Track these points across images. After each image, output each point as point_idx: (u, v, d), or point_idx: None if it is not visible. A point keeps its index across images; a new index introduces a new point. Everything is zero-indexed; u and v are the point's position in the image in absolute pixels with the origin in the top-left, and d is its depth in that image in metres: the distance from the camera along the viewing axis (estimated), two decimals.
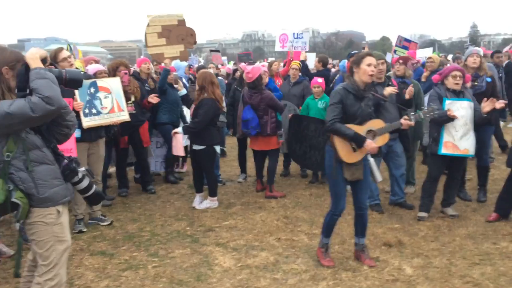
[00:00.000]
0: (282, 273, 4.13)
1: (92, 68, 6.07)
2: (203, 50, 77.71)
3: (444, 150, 5.20)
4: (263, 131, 6.38)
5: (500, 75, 9.55)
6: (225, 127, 7.21)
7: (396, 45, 10.58)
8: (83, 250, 4.72)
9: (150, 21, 6.88)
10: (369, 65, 4.00)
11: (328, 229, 4.29)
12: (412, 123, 4.25)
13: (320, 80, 7.16)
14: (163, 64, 7.00)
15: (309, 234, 5.04)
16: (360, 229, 4.33)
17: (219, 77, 8.84)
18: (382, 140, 4.15)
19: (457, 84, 5.21)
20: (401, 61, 6.41)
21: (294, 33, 9.30)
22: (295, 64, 8.00)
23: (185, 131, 6.05)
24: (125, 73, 6.19)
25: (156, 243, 4.91)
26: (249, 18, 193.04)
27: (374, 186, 5.70)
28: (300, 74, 7.91)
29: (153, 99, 6.49)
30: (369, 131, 4.08)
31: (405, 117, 4.23)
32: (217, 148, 6.10)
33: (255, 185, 7.03)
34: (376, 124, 4.13)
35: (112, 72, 6.16)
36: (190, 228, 5.34)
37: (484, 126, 5.75)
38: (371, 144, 3.98)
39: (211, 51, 15.74)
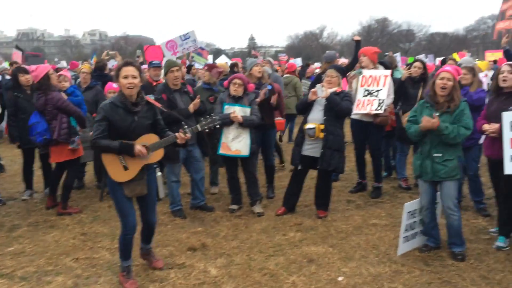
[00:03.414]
0: None
1: None
2: None
3: (221, 151, 5.80)
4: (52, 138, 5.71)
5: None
6: None
7: (193, 52, 10.90)
8: None
9: None
10: (125, 77, 3.68)
11: (125, 251, 3.95)
12: (188, 136, 3.93)
13: (115, 85, 6.83)
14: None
15: (111, 249, 4.74)
16: (146, 238, 4.26)
17: None
18: (156, 156, 3.87)
19: (235, 90, 5.77)
20: (206, 67, 6.71)
21: (180, 36, 8.89)
22: (85, 67, 7.48)
23: None
24: None
25: None
26: (25, 14, 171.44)
27: (175, 192, 5.75)
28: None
29: None
30: (142, 147, 3.80)
31: (181, 130, 3.91)
32: None
33: (44, 201, 6.28)
34: (149, 139, 3.83)
35: None
36: None
37: (268, 130, 6.42)
38: (141, 149, 3.71)
39: (17, 47, 13.45)
